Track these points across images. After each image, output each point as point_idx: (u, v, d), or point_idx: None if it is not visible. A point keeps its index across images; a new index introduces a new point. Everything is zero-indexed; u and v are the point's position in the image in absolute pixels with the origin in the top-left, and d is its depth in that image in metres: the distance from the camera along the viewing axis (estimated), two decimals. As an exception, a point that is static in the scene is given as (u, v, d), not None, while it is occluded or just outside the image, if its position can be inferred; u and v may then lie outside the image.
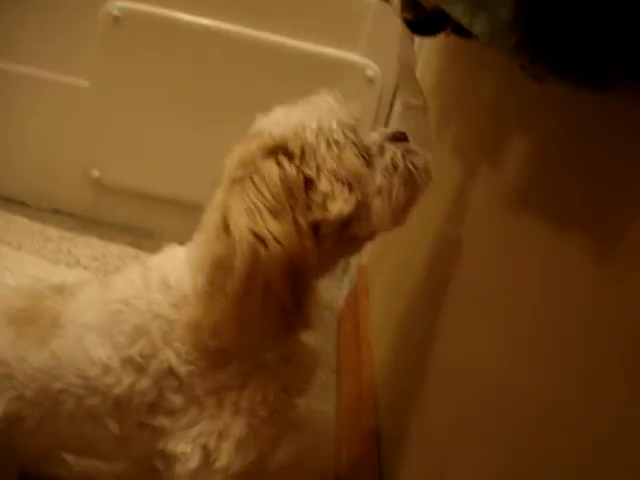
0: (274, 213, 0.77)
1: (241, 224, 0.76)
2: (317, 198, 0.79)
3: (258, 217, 0.76)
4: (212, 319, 0.80)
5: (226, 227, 0.78)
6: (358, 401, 1.33)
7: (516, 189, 0.76)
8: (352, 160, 0.81)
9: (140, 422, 0.87)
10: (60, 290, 0.93)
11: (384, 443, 1.15)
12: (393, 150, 0.84)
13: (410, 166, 0.84)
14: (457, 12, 0.63)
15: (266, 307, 0.78)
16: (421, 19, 0.87)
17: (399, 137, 0.87)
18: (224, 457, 0.85)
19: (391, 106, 1.79)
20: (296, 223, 0.78)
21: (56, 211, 2.03)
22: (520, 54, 0.54)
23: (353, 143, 0.82)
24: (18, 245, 1.85)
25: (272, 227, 0.76)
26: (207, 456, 0.85)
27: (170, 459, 0.87)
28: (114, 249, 1.92)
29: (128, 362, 0.85)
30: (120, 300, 0.88)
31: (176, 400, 0.85)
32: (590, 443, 0.51)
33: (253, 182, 0.78)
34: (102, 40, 1.84)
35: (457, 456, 0.79)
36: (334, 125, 0.81)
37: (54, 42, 1.88)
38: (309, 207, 0.79)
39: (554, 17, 0.52)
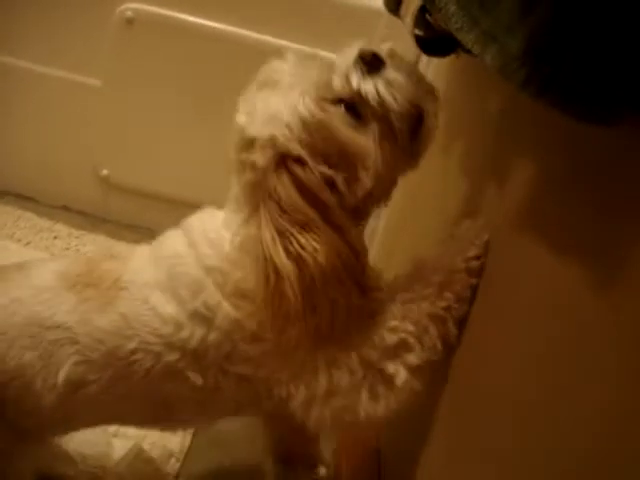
0: (304, 227, 0.77)
1: (278, 251, 0.76)
2: (341, 187, 0.79)
3: (290, 237, 0.76)
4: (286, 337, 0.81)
5: (265, 260, 0.77)
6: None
7: (519, 211, 0.77)
8: (345, 133, 0.79)
9: (222, 369, 0.87)
10: (113, 255, 0.94)
11: (384, 458, 1.16)
12: (372, 88, 0.80)
13: (399, 97, 0.80)
14: (468, 41, 0.64)
15: (334, 313, 0.78)
16: (432, 37, 0.88)
17: (374, 64, 0.82)
18: (323, 382, 0.83)
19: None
20: (329, 223, 0.77)
21: (65, 208, 2.06)
22: (528, 87, 0.56)
23: (335, 113, 0.80)
24: (27, 241, 1.87)
25: (307, 242, 0.76)
26: (310, 387, 0.84)
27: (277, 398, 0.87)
28: (122, 247, 1.94)
29: (196, 316, 0.85)
30: (173, 256, 0.88)
31: (251, 350, 0.85)
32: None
33: (274, 202, 0.78)
34: (115, 41, 1.86)
35: (457, 474, 0.81)
36: (311, 106, 0.78)
37: (68, 42, 1.89)
38: (336, 201, 0.79)
39: (562, 53, 0.54)
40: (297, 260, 0.75)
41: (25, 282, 0.90)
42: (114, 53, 1.89)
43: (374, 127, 0.80)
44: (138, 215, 2.00)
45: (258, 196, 0.79)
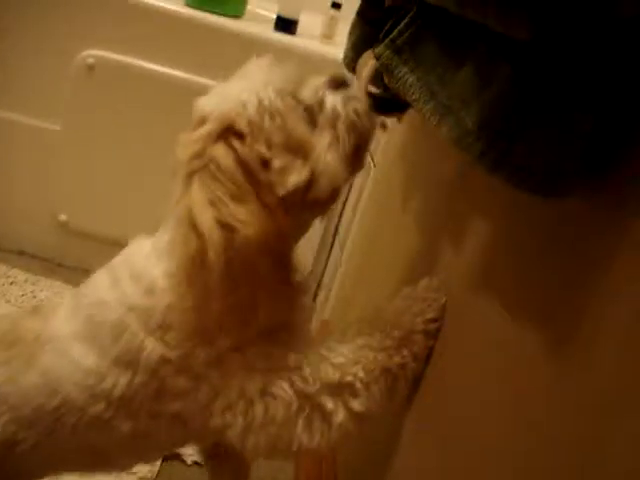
0: (237, 198, 0.76)
1: (207, 217, 0.75)
2: (274, 173, 0.78)
3: (221, 206, 0.75)
4: (204, 321, 0.79)
5: (192, 222, 0.76)
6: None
7: (472, 272, 0.79)
8: (297, 127, 0.80)
9: (152, 412, 0.85)
10: (37, 311, 0.93)
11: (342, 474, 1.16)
12: (332, 100, 0.83)
13: (352, 114, 0.83)
14: (425, 112, 0.66)
15: (253, 293, 0.77)
16: (386, 97, 0.89)
17: (339, 82, 0.85)
18: (259, 413, 0.83)
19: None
20: (261, 201, 0.77)
21: (22, 253, 2.04)
22: (483, 161, 0.57)
23: (294, 108, 0.81)
24: (-18, 287, 1.85)
25: (238, 212, 0.75)
26: (247, 417, 0.83)
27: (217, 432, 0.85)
28: (47, 303, 1.92)
29: (118, 362, 0.83)
30: (93, 303, 0.86)
31: (180, 383, 0.83)
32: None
33: (209, 171, 0.77)
34: (76, 86, 1.86)
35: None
36: (272, 95, 0.80)
37: (28, 87, 1.90)
38: (270, 183, 0.78)
39: (516, 129, 0.56)
40: (225, 228, 0.74)
41: None
42: (74, 98, 1.89)
43: (324, 133, 0.82)
44: (96, 260, 1.96)
45: (195, 167, 0.78)
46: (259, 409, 0.82)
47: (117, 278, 0.86)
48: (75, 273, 1.99)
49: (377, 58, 0.74)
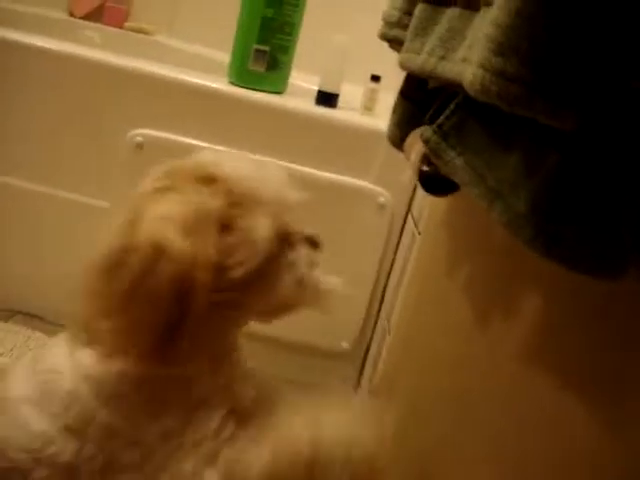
0: (186, 231, 0.76)
1: (151, 226, 0.76)
2: (231, 242, 0.80)
3: (171, 227, 0.76)
4: (95, 314, 0.81)
5: (134, 224, 0.78)
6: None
7: (524, 343, 0.79)
8: (270, 233, 0.83)
9: None
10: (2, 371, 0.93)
11: None
12: (301, 251, 0.88)
13: (308, 276, 0.88)
14: (474, 195, 0.68)
15: (144, 317, 0.76)
16: (437, 175, 0.90)
17: (313, 242, 0.91)
18: None
19: (401, 232, 1.85)
20: (203, 251, 0.77)
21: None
22: (535, 245, 0.59)
23: (280, 224, 0.85)
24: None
25: (179, 242, 0.75)
26: None
27: None
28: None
29: (67, 430, 0.83)
30: (49, 369, 0.87)
31: (128, 456, 0.83)
32: None
33: (178, 194, 0.79)
34: (124, 164, 1.92)
35: None
36: (283, 193, 0.85)
37: (78, 165, 1.97)
38: (221, 248, 0.79)
39: (566, 213, 0.57)
40: (160, 246, 0.75)
41: None
42: (123, 176, 1.94)
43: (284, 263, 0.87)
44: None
45: (163, 186, 0.82)
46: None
47: (75, 346, 0.87)
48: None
49: (425, 142, 0.76)
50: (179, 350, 0.79)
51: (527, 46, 0.48)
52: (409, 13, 0.88)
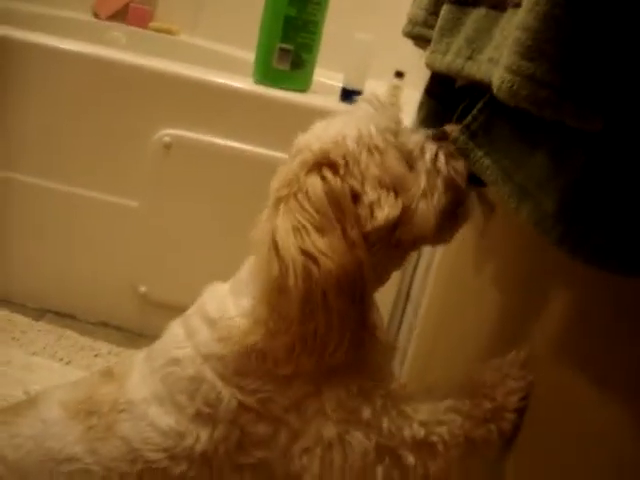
0: (321, 229, 0.76)
1: (289, 243, 0.75)
2: (364, 207, 0.78)
3: (305, 235, 0.75)
4: (276, 344, 0.78)
5: (275, 247, 0.76)
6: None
7: (558, 343, 0.80)
8: (395, 165, 0.80)
9: (235, 465, 0.85)
10: (111, 374, 0.93)
11: None
12: (434, 151, 0.83)
13: (452, 171, 0.83)
14: (503, 193, 0.69)
15: (329, 325, 0.75)
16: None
17: (440, 136, 0.85)
18: (337, 459, 0.82)
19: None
20: (345, 236, 0.76)
21: (104, 324, 2.11)
22: (563, 245, 0.59)
23: (394, 147, 0.81)
24: (68, 360, 1.91)
25: (320, 244, 0.75)
26: (324, 462, 0.82)
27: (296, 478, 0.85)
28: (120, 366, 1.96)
29: (197, 417, 0.83)
30: (167, 362, 0.87)
31: (260, 430, 0.83)
32: None
33: (297, 199, 0.77)
34: (153, 164, 1.95)
35: None
36: (373, 131, 0.80)
37: (107, 165, 2.01)
38: (357, 217, 0.78)
39: (594, 212, 0.58)
40: (307, 257, 0.74)
41: (36, 417, 0.91)
42: (152, 176, 1.97)
43: (421, 179, 0.82)
44: (176, 330, 2.04)
45: (282, 194, 0.79)
46: (337, 455, 0.82)
47: (191, 328, 0.87)
48: (155, 343, 2.04)
49: (453, 142, 0.77)
50: (362, 336, 0.80)
51: (556, 50, 0.49)
52: (435, 13, 0.89)
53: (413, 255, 1.88)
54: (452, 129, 0.83)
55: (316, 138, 0.82)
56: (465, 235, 1.35)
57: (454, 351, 1.30)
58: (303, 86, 2.00)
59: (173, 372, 0.86)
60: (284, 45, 1.93)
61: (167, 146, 1.91)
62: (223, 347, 0.83)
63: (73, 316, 2.12)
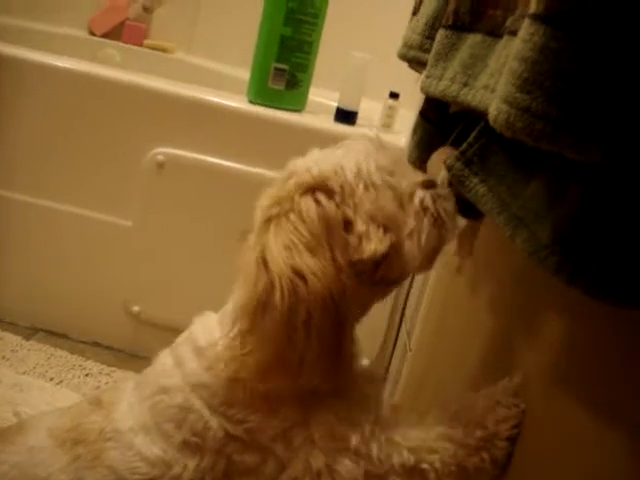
0: (312, 250, 0.77)
1: (279, 260, 0.76)
2: (354, 237, 0.79)
3: (296, 253, 0.76)
4: (256, 359, 0.77)
5: (264, 264, 0.77)
6: None
7: (548, 364, 0.79)
8: (388, 203, 0.81)
9: None
10: (99, 402, 0.92)
11: None
12: (422, 195, 0.85)
13: (440, 209, 0.84)
14: (498, 222, 0.68)
15: (309, 345, 0.76)
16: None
17: (428, 185, 0.87)
18: None
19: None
20: (334, 260, 0.77)
21: (96, 344, 2.09)
22: (559, 275, 0.59)
23: (390, 186, 0.83)
24: (59, 380, 1.89)
25: (311, 263, 0.76)
26: None
27: None
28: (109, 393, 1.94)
29: (184, 446, 0.83)
30: (155, 391, 0.86)
31: (247, 459, 0.83)
32: None
33: (289, 219, 0.78)
34: (146, 183, 1.95)
35: None
36: (372, 168, 0.82)
37: (101, 184, 2.00)
38: (346, 245, 0.79)
39: (591, 244, 0.57)
40: (296, 275, 0.75)
41: (23, 444, 0.91)
42: (145, 195, 1.97)
43: (409, 220, 0.84)
44: (168, 350, 2.02)
45: (273, 213, 0.80)
46: None
47: (180, 357, 0.87)
48: (148, 363, 2.02)
49: (448, 169, 0.76)
50: (338, 361, 0.80)
51: (552, 82, 0.49)
52: (430, 37, 0.89)
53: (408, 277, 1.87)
54: (442, 178, 0.86)
55: (314, 163, 0.83)
56: (460, 259, 1.35)
57: (448, 374, 1.29)
58: (298, 106, 2.00)
59: (161, 401, 0.85)
60: (279, 65, 1.93)
61: (160, 165, 1.91)
62: (211, 376, 0.84)
63: (65, 335, 2.10)
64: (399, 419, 0.89)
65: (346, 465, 0.81)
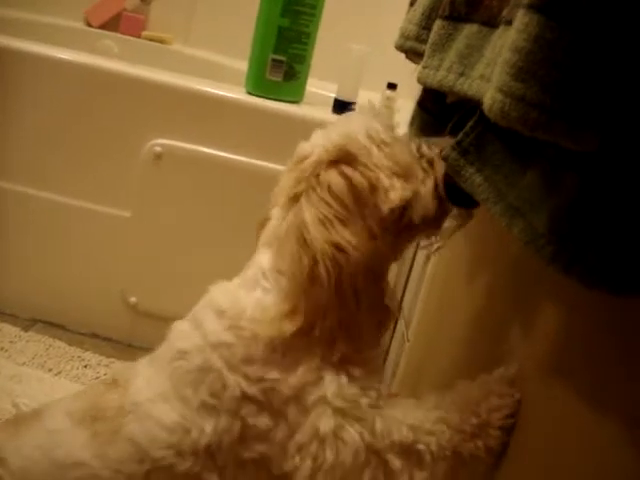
0: (345, 222, 0.81)
1: (319, 235, 0.80)
2: (380, 194, 0.84)
3: (331, 227, 0.80)
4: (314, 340, 0.82)
5: (303, 241, 0.81)
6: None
7: (545, 358, 0.79)
8: (403, 154, 0.87)
9: (238, 461, 0.85)
10: (115, 382, 0.93)
11: None
12: (427, 150, 0.90)
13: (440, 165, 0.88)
14: (494, 212, 0.68)
15: (359, 310, 0.82)
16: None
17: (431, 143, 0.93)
18: (329, 456, 0.82)
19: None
20: (367, 226, 0.83)
21: (94, 335, 2.10)
22: (555, 264, 0.59)
23: (398, 141, 0.88)
24: (58, 371, 1.90)
25: (347, 235, 0.80)
26: (317, 460, 0.82)
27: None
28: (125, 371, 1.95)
29: (201, 409, 0.84)
30: (173, 356, 0.87)
31: (261, 423, 0.83)
32: None
33: (319, 194, 0.83)
34: (144, 174, 1.95)
35: None
36: (379, 127, 0.87)
37: (99, 175, 2.00)
38: (375, 205, 0.84)
39: (587, 234, 0.57)
40: (335, 248, 0.79)
41: (41, 428, 0.92)
42: (143, 186, 1.97)
43: (420, 172, 0.89)
44: (166, 341, 2.02)
45: (300, 190, 0.84)
46: (330, 452, 0.82)
47: (198, 320, 0.88)
48: (146, 354, 2.03)
49: (444, 159, 0.77)
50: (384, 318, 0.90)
51: (546, 71, 0.49)
52: (427, 28, 0.89)
53: (405, 265, 1.88)
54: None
55: (325, 140, 0.87)
56: (458, 247, 1.35)
57: (446, 365, 1.29)
58: (296, 97, 2.00)
59: (179, 366, 0.86)
60: (277, 56, 1.93)
61: (158, 156, 1.91)
62: (232, 335, 0.84)
63: (63, 326, 2.11)
64: (399, 401, 0.90)
65: (351, 435, 0.82)
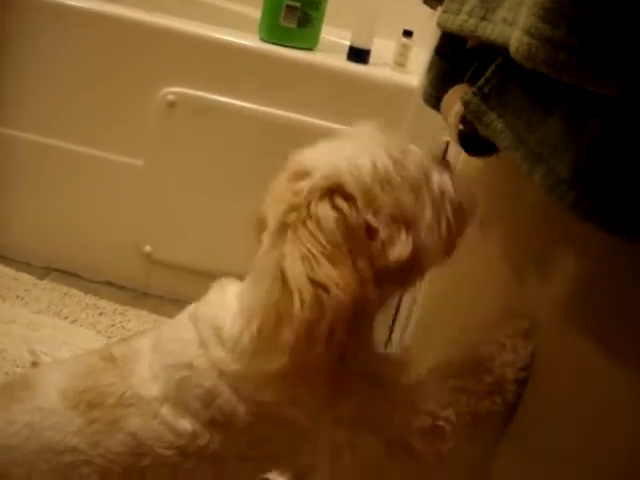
0: (332, 259, 0.74)
1: (298, 272, 0.73)
2: (376, 244, 0.76)
3: (315, 264, 0.73)
4: (270, 371, 0.78)
5: (282, 275, 0.75)
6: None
7: (561, 308, 0.79)
8: (406, 201, 0.79)
9: (241, 455, 0.87)
10: (112, 359, 0.91)
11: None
12: (440, 179, 0.83)
13: (461, 198, 0.83)
14: (516, 158, 0.68)
15: (329, 354, 0.75)
16: (476, 134, 0.88)
17: (440, 160, 0.86)
18: (347, 462, 0.83)
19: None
20: (356, 268, 0.75)
21: (109, 283, 2.11)
22: (577, 210, 0.59)
23: (405, 180, 0.80)
24: (74, 319, 1.92)
25: (333, 274, 0.73)
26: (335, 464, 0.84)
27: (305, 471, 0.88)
28: (122, 349, 1.95)
29: (212, 423, 0.84)
30: (180, 365, 0.86)
31: (271, 430, 0.85)
32: None
33: (307, 227, 0.75)
34: (157, 123, 1.94)
35: None
36: (388, 163, 0.78)
37: (111, 124, 1.99)
38: (370, 252, 0.76)
39: (610, 177, 0.57)
40: (317, 287, 0.72)
41: (33, 404, 0.90)
42: (156, 134, 1.96)
43: (427, 211, 0.81)
44: (181, 290, 2.01)
45: (290, 220, 0.77)
46: (347, 457, 0.83)
47: (203, 338, 0.86)
48: (161, 302, 2.06)
49: (465, 105, 0.76)
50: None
51: (574, 13, 0.48)
52: (447, -28, 0.87)
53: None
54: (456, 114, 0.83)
55: (325, 163, 0.79)
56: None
57: (459, 317, 1.29)
58: (310, 44, 1.97)
59: (188, 377, 0.85)
60: (291, 2, 1.90)
61: (171, 104, 1.90)
62: (237, 366, 0.83)
63: (77, 275, 2.12)
64: (412, 374, 0.89)
65: (367, 439, 0.83)
